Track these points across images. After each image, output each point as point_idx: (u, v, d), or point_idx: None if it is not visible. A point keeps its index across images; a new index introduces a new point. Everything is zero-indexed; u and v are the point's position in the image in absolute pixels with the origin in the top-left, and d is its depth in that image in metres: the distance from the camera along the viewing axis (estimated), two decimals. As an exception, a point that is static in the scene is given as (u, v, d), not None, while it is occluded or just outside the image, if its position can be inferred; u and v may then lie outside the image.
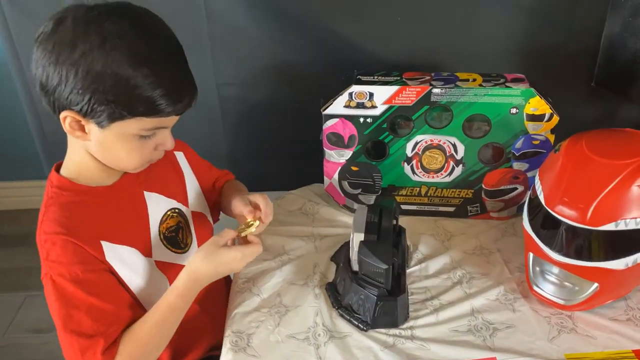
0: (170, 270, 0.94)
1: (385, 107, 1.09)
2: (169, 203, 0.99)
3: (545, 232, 0.91)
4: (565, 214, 0.85)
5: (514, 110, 1.05)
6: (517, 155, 1.10)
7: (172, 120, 0.86)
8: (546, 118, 1.05)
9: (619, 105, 1.35)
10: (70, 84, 0.76)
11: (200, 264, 0.87)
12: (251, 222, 0.93)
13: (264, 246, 0.94)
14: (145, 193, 0.95)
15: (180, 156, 1.06)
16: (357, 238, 0.93)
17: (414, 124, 1.10)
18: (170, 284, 0.89)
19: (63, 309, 0.80)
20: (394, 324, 0.92)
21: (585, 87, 1.32)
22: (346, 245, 1.05)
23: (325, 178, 1.21)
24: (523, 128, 1.06)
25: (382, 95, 1.08)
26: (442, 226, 1.18)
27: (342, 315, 0.94)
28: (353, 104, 1.09)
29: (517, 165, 1.11)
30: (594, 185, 0.83)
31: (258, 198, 0.96)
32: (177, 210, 1.00)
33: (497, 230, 1.16)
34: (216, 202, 1.13)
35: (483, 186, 1.15)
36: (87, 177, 0.88)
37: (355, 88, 1.08)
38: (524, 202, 1.15)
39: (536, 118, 1.05)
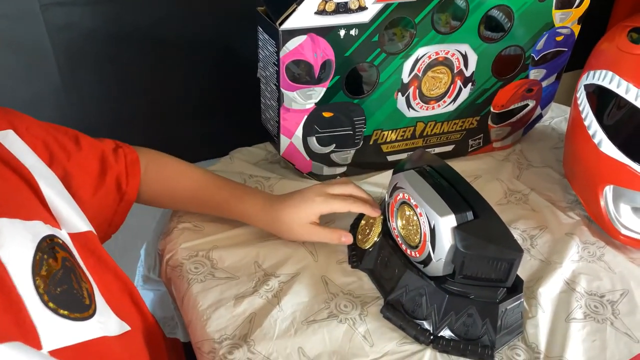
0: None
1: (379, 7, 0.69)
2: (36, 230, 0.48)
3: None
4: None
5: (543, -5, 0.76)
6: (536, 59, 0.82)
7: None
8: (577, 2, 0.78)
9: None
10: None
11: None
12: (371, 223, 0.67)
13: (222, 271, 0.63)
14: None
15: (8, 138, 0.53)
16: (446, 225, 0.55)
17: (416, 31, 0.73)
18: None
19: None
20: (520, 330, 0.60)
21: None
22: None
23: (283, 138, 0.76)
24: (549, 20, 0.78)
25: (375, -12, 0.67)
26: (444, 173, 0.86)
27: (447, 352, 0.57)
28: (330, 6, 0.66)
29: (533, 74, 0.84)
30: None
31: (343, 187, 0.68)
32: (54, 241, 0.49)
33: (511, 165, 0.89)
34: (123, 204, 0.66)
35: (491, 109, 0.85)
36: None
37: (334, -22, 0.65)
38: (532, 120, 0.91)
39: (566, 3, 0.77)
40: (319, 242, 0.68)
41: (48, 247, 0.48)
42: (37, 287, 0.45)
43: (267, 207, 0.67)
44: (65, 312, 0.46)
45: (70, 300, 0.47)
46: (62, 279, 0.47)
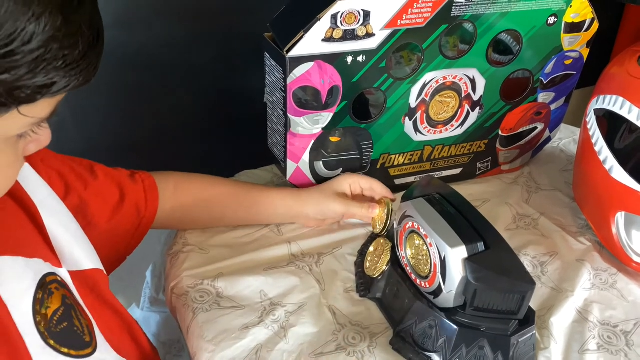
0: None
1: (387, 33, 0.68)
2: (37, 267, 0.48)
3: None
4: None
5: (552, 20, 0.75)
6: (545, 83, 0.82)
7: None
8: (585, 26, 0.78)
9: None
10: None
11: None
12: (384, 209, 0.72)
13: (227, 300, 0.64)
14: None
15: (22, 171, 0.53)
16: (456, 256, 0.54)
17: (424, 56, 0.72)
18: None
19: None
20: (532, 366, 0.59)
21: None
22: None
23: (289, 163, 0.76)
24: (558, 44, 0.78)
25: (383, 15, 0.67)
26: (452, 197, 0.85)
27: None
28: (338, 33, 0.66)
29: (542, 97, 0.83)
30: None
31: (365, 182, 0.75)
32: (53, 278, 0.49)
33: (519, 188, 0.88)
34: (141, 228, 0.67)
35: (500, 132, 0.85)
36: None
37: (342, 6, 0.64)
38: (541, 143, 0.91)
39: (575, 28, 0.77)
40: (350, 215, 0.75)
41: (48, 285, 0.47)
42: (37, 325, 0.44)
43: (295, 192, 0.75)
44: (66, 350, 0.46)
45: (71, 337, 0.47)
46: (63, 317, 0.47)
